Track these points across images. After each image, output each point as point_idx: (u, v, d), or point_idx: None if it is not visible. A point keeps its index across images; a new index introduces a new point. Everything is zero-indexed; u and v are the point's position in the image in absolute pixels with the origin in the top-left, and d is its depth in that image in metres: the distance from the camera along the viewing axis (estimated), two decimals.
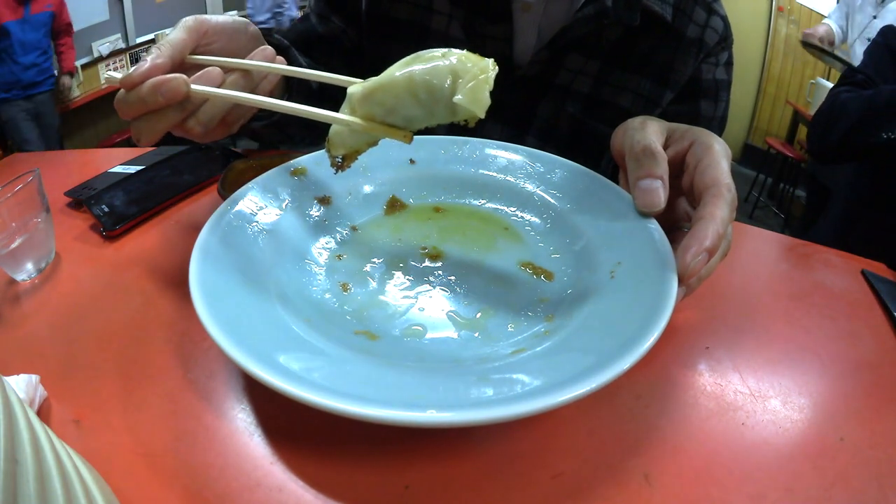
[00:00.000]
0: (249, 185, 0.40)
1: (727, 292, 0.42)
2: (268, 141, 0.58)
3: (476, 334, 0.33)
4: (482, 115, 0.30)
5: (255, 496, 0.26)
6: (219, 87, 0.36)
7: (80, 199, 0.50)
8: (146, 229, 0.49)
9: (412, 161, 0.46)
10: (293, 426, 0.30)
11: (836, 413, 0.32)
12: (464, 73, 0.30)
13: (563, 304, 0.34)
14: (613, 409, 0.31)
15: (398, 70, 0.32)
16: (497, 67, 0.31)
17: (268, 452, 0.29)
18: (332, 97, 0.41)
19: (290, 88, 0.49)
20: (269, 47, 0.40)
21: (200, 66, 0.37)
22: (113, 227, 0.47)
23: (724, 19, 0.58)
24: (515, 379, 0.27)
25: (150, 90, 0.33)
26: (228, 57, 0.39)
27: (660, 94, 0.58)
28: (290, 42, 0.53)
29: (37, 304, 0.40)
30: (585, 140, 0.59)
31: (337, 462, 0.28)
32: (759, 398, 0.33)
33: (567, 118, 0.58)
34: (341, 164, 0.36)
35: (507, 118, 0.60)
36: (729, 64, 0.60)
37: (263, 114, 0.49)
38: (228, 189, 0.48)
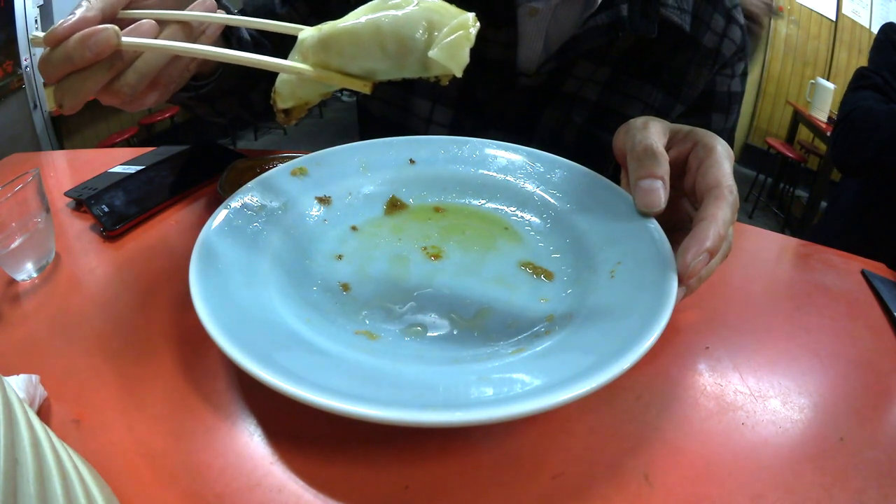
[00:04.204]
0: (249, 185, 0.40)
1: (727, 292, 0.42)
2: (201, 115, 0.54)
3: (476, 334, 0.33)
4: (459, 74, 0.28)
5: (255, 496, 0.26)
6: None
7: (80, 199, 0.50)
8: (146, 229, 0.49)
9: (412, 161, 0.46)
10: (293, 426, 0.30)
11: (836, 413, 0.32)
12: (441, 25, 0.28)
13: (563, 304, 0.34)
14: (613, 409, 0.31)
15: (363, 16, 0.29)
16: (478, 23, 0.28)
17: (268, 452, 0.28)
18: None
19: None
20: (211, 0, 0.38)
21: (135, 22, 0.34)
22: (113, 227, 0.47)
23: (743, 28, 0.56)
24: (515, 379, 0.27)
25: (76, 44, 0.30)
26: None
27: (670, 106, 0.56)
28: (248, 16, 0.50)
29: (37, 304, 0.40)
30: (591, 149, 0.57)
31: (337, 462, 0.28)
32: (759, 398, 0.33)
33: (573, 128, 0.57)
34: (288, 117, 0.34)
35: (510, 126, 0.58)
36: (744, 74, 0.59)
37: (191, 84, 0.46)
38: (228, 189, 0.48)
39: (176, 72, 0.37)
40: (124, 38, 0.31)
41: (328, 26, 0.30)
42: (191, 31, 0.36)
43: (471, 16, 0.28)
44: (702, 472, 0.28)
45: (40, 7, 2.32)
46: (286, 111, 0.33)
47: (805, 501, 0.27)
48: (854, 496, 0.27)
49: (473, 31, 0.28)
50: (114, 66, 0.32)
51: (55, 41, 0.30)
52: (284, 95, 0.33)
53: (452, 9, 0.29)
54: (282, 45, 0.49)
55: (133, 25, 0.33)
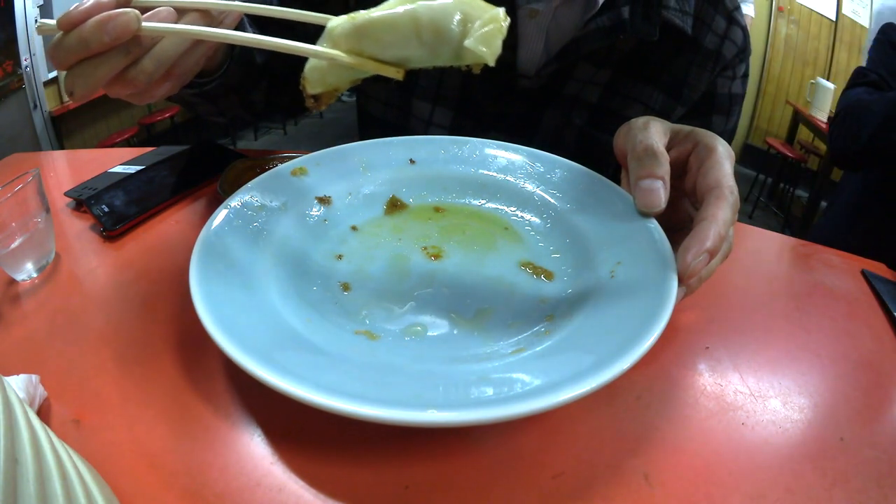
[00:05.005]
0: (249, 184, 0.40)
1: (727, 292, 0.42)
2: (202, 114, 0.54)
3: (476, 334, 0.33)
4: (493, 64, 0.29)
5: (255, 496, 0.26)
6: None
7: (80, 199, 0.50)
8: (146, 229, 0.49)
9: (412, 161, 0.46)
10: (293, 426, 0.30)
11: (836, 413, 0.32)
12: (474, 17, 0.29)
13: (563, 304, 0.34)
14: (613, 409, 0.31)
15: (398, 6, 0.30)
16: (509, 18, 0.30)
17: (268, 452, 0.28)
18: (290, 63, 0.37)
19: (233, 50, 0.44)
20: None
21: (148, 11, 0.32)
22: (113, 227, 0.47)
23: (744, 30, 0.56)
24: (515, 378, 0.27)
25: (94, 28, 0.29)
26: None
27: (671, 108, 0.56)
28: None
29: (37, 304, 0.40)
30: (591, 151, 0.57)
31: (337, 462, 0.28)
32: (759, 398, 0.33)
33: (573, 130, 0.57)
34: (317, 103, 0.34)
35: (510, 128, 0.57)
36: (745, 76, 0.58)
37: (195, 81, 0.45)
38: (228, 189, 0.48)
39: (192, 61, 0.36)
40: (144, 23, 0.30)
41: (360, 15, 0.31)
42: (211, 20, 0.35)
43: (501, 10, 0.30)
44: (702, 472, 0.28)
45: (40, 7, 2.32)
46: (316, 97, 0.34)
47: (805, 501, 0.27)
48: (854, 496, 0.27)
49: (506, 24, 0.29)
50: (131, 53, 0.31)
51: (70, 25, 0.29)
52: (314, 81, 0.33)
53: (483, 2, 0.30)
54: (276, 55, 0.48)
55: (152, 12, 0.32)
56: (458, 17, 0.29)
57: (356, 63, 0.31)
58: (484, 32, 0.29)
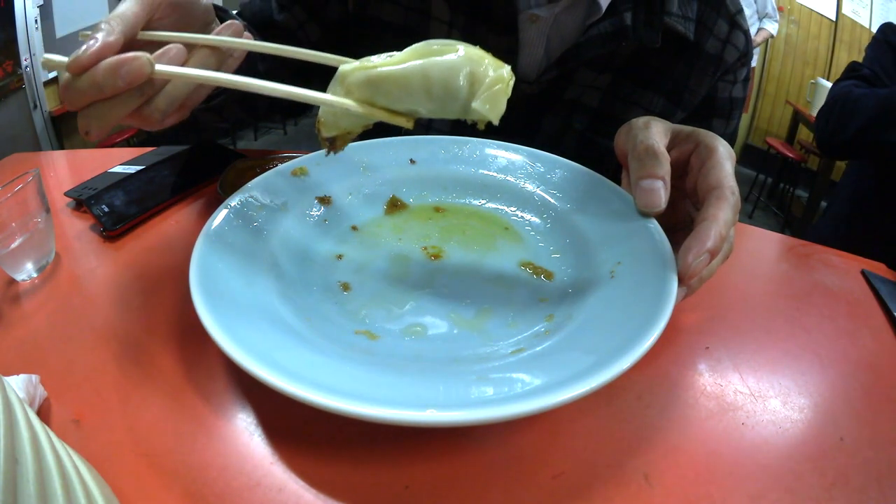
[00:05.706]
0: (249, 184, 0.40)
1: (727, 292, 0.42)
2: (203, 121, 0.54)
3: (476, 334, 0.33)
4: (496, 123, 0.30)
5: (255, 496, 0.26)
6: (182, 66, 0.32)
7: (80, 199, 0.50)
8: (146, 229, 0.49)
9: (412, 161, 0.46)
10: (293, 426, 0.30)
11: (836, 413, 0.32)
12: (481, 75, 0.30)
13: (563, 304, 0.34)
14: (613, 409, 0.31)
15: (410, 60, 0.31)
16: (514, 77, 0.31)
17: (268, 452, 0.28)
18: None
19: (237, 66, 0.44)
20: (237, 22, 0.37)
21: (153, 45, 0.32)
22: (113, 227, 0.47)
23: (746, 34, 0.55)
24: (515, 378, 0.27)
25: (107, 72, 0.28)
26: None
27: (671, 112, 0.56)
28: (245, 20, 0.48)
29: (37, 304, 0.40)
30: (590, 155, 0.56)
31: (337, 462, 0.28)
32: (759, 398, 0.33)
33: (573, 135, 0.56)
34: (332, 145, 0.35)
35: (510, 132, 0.57)
36: (746, 80, 0.58)
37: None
38: (228, 189, 0.48)
39: (203, 93, 0.36)
40: (158, 67, 0.30)
41: (375, 68, 0.31)
42: (220, 55, 0.35)
43: (507, 69, 0.31)
44: (702, 472, 0.28)
45: (40, 7, 2.32)
46: (331, 141, 0.34)
47: (805, 501, 0.27)
48: (854, 496, 0.27)
49: (511, 83, 0.31)
50: (144, 93, 0.31)
51: (80, 68, 0.29)
52: (328, 125, 0.34)
53: (490, 59, 0.31)
54: (279, 61, 0.48)
55: (162, 51, 0.32)
56: (465, 75, 0.30)
57: (368, 113, 0.32)
58: (490, 94, 0.30)
